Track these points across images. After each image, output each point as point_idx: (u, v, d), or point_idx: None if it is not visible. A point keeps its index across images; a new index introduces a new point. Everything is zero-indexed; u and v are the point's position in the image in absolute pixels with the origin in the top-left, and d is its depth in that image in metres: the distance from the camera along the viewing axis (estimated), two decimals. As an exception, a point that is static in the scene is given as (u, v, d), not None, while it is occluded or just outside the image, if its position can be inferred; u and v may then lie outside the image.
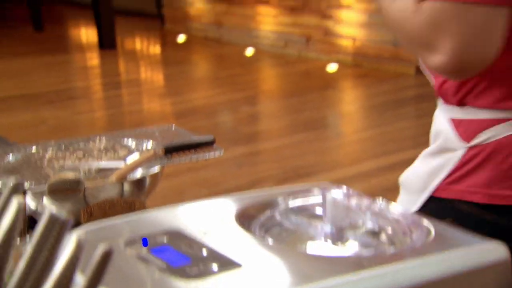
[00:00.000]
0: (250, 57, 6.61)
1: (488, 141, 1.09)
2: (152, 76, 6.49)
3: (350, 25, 5.99)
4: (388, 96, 5.03)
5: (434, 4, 0.99)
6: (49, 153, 1.10)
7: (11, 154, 1.11)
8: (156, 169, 1.07)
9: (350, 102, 5.40)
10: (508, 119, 1.08)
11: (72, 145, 1.15)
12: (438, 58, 1.00)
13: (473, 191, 1.11)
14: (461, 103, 1.11)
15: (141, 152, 1.11)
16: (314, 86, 5.49)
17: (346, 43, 6.04)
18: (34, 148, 1.13)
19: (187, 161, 1.11)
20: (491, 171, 1.09)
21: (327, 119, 4.90)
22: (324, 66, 5.94)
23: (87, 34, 8.08)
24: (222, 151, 1.13)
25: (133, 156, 1.09)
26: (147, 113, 5.14)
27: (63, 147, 1.14)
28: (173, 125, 1.26)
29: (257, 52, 6.71)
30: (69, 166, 1.06)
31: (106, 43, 6.99)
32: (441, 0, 0.99)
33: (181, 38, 7.52)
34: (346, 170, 3.69)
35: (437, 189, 1.14)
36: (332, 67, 5.91)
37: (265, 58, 6.57)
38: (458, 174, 1.12)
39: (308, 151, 3.99)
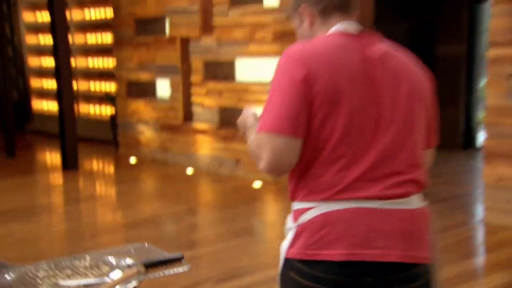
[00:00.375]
0: (190, 176, 6.63)
1: (304, 221, 1.40)
2: (108, 192, 6.36)
3: (271, 151, 6.14)
4: (304, 207, 5.12)
5: (259, 134, 1.40)
6: (41, 272, 1.06)
7: (7, 274, 1.06)
8: (135, 283, 1.05)
9: (274, 212, 5.44)
10: (312, 207, 1.40)
11: (60, 263, 1.11)
12: (261, 165, 1.40)
13: (297, 252, 1.41)
14: (292, 199, 1.48)
15: (122, 268, 1.08)
16: (244, 200, 5.52)
17: (268, 164, 6.18)
18: (28, 268, 1.08)
19: (161, 276, 1.09)
20: (306, 239, 1.39)
21: (255, 227, 4.90)
22: (251, 183, 6.02)
23: (53, 158, 7.91)
24: (190, 266, 1.12)
25: (115, 272, 1.06)
26: (103, 225, 4.99)
27: (53, 266, 1.10)
28: (145, 243, 1.25)
29: (196, 171, 6.74)
30: (61, 285, 1.02)
31: (70, 165, 6.85)
32: (262, 131, 1.39)
33: (133, 161, 7.47)
34: (274, 270, 3.65)
35: (286, 253, 1.45)
36: (257, 184, 5.99)
37: (203, 177, 6.60)
38: (292, 242, 1.43)
39: (241, 255, 3.95)
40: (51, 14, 6.67)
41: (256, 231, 4.82)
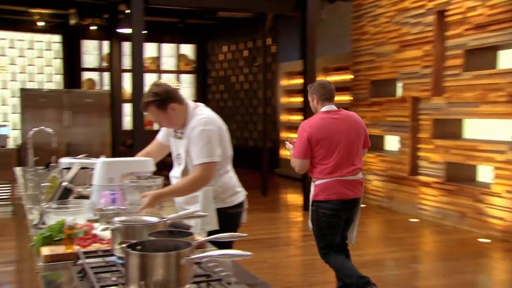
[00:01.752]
0: (413, 224, 6.29)
1: (317, 184, 3.29)
2: (338, 232, 6.38)
3: (499, 209, 5.49)
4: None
5: (293, 157, 3.34)
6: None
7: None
8: None
9: (503, 270, 4.78)
10: (320, 179, 3.27)
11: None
12: (296, 170, 3.35)
13: (319, 197, 3.27)
14: (311, 176, 3.35)
15: None
16: (469, 254, 5.00)
17: (496, 221, 5.51)
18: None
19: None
20: (321, 192, 3.26)
21: (483, 283, 4.37)
22: (476, 238, 5.44)
23: (295, 198, 8.31)
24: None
25: None
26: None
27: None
28: None
29: (420, 221, 6.37)
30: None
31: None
32: (294, 156, 3.32)
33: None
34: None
35: (313, 198, 3.32)
36: (483, 240, 5.37)
37: (425, 226, 6.20)
38: (315, 193, 3.30)
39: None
40: (305, 79, 7.17)
41: (482, 288, 4.28)
